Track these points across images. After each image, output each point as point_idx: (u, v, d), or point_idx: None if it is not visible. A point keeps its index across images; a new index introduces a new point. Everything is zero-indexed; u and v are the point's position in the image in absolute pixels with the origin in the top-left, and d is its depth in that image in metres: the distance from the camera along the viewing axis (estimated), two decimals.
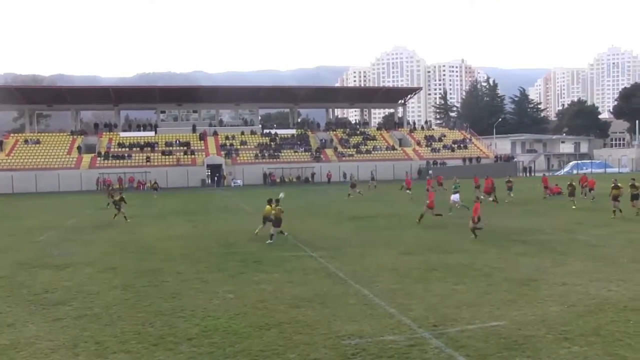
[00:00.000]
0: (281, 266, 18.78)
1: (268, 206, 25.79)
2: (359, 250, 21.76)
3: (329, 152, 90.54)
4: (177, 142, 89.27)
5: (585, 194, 40.58)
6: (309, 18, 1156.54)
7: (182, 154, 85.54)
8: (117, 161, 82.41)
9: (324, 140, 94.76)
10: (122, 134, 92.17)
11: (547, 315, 12.30)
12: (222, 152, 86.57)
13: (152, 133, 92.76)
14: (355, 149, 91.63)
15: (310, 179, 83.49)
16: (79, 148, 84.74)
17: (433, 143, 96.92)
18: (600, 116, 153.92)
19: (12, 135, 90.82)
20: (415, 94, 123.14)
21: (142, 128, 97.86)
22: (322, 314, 12.93)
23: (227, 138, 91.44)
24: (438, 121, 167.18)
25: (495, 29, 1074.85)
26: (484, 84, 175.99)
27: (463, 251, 20.75)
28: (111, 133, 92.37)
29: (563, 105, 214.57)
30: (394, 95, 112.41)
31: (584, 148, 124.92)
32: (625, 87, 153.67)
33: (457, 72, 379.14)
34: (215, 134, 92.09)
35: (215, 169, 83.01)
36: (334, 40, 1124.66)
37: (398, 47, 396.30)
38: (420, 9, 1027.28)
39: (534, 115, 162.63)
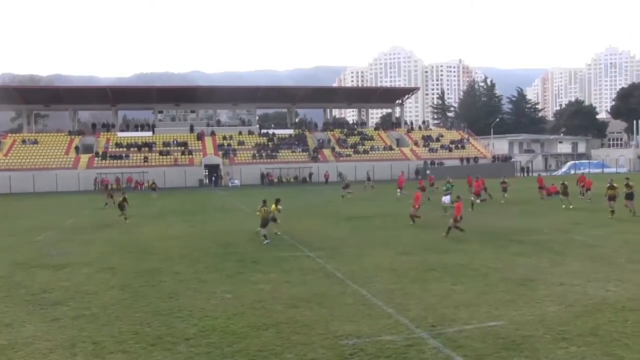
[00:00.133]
0: (279, 266, 18.77)
1: (273, 205, 26.21)
2: (356, 250, 21.77)
3: (327, 152, 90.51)
4: (175, 142, 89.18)
5: (582, 194, 40.61)
6: (306, 18, 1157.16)
7: (179, 154, 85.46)
8: (115, 161, 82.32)
9: (321, 141, 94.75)
10: (120, 134, 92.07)
11: (545, 316, 12.31)
12: (220, 152, 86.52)
13: (150, 133, 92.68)
14: (352, 149, 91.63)
15: (307, 179, 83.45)
16: (76, 148, 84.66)
17: (430, 143, 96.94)
18: (597, 116, 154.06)
19: (9, 135, 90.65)
20: (412, 94, 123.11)
21: (139, 128, 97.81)
22: (319, 314, 12.94)
23: (224, 138, 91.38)
24: (435, 121, 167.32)
25: (493, 29, 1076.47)
26: (482, 84, 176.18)
27: (461, 251, 20.76)
28: (109, 133, 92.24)
29: (561, 105, 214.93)
30: (392, 96, 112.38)
31: (581, 148, 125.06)
32: (622, 87, 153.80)
33: (454, 72, 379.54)
34: (212, 134, 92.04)
35: (212, 169, 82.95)
36: (332, 41, 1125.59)
37: (395, 47, 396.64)
38: (417, 9, 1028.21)
39: (531, 115, 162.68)
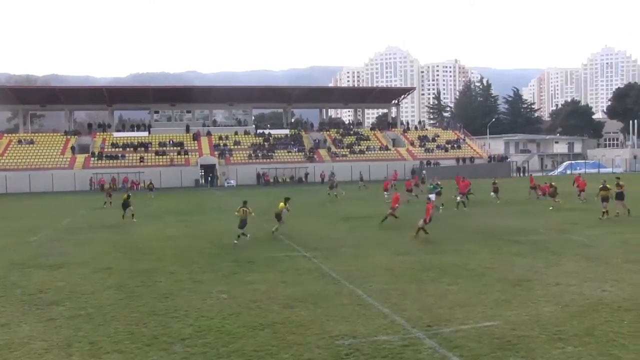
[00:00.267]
0: (275, 266, 18.77)
1: (281, 203, 26.64)
2: (352, 250, 21.77)
3: (323, 152, 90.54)
4: (171, 142, 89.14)
5: (579, 194, 40.56)
6: (302, 18, 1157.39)
7: (175, 154, 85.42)
8: (111, 161, 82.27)
9: (317, 141, 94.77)
10: (116, 134, 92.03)
11: (541, 316, 12.32)
12: (216, 152, 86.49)
13: (146, 133, 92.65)
14: (348, 149, 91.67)
15: (303, 179, 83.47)
16: (72, 148, 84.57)
17: (426, 143, 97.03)
18: (593, 116, 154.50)
19: (5, 135, 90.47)
20: (408, 94, 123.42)
21: (135, 128, 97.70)
22: (315, 314, 12.94)
23: (220, 138, 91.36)
24: (431, 121, 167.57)
25: (489, 29, 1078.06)
26: (478, 84, 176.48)
27: (457, 251, 20.77)
28: (105, 133, 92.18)
29: (557, 105, 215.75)
30: (388, 96, 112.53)
31: (577, 148, 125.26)
32: (618, 88, 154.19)
33: (450, 72, 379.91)
34: (208, 134, 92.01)
35: (208, 169, 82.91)
36: (327, 41, 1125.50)
37: (391, 47, 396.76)
38: (413, 10, 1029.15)
39: (527, 115, 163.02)
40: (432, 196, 34.51)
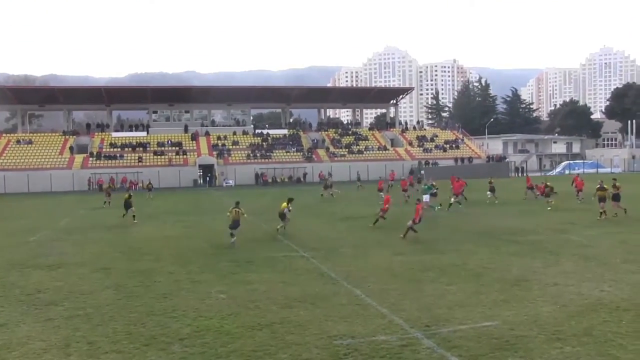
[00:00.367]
0: (273, 266, 18.77)
1: (284, 203, 26.72)
2: (351, 250, 21.77)
3: (321, 152, 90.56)
4: (169, 142, 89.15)
5: (577, 194, 40.51)
6: (300, 18, 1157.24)
7: (174, 154, 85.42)
8: (109, 161, 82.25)
9: (315, 141, 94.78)
10: (114, 134, 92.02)
11: (539, 316, 12.33)
12: (214, 152, 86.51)
13: (144, 133, 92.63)
14: (347, 149, 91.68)
15: (302, 179, 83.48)
16: (71, 148, 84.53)
17: (425, 143, 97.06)
18: (592, 116, 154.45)
19: (4, 135, 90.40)
20: (407, 94, 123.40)
21: (134, 128, 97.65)
22: (314, 314, 12.94)
23: (219, 138, 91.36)
24: (430, 121, 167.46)
25: (488, 29, 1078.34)
26: (476, 84, 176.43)
27: (455, 251, 20.78)
28: (103, 133, 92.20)
29: (555, 105, 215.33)
30: (386, 96, 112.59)
31: (576, 148, 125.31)
32: (617, 87, 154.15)
33: (449, 72, 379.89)
34: (207, 134, 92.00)
35: (207, 169, 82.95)
36: (326, 40, 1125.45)
37: (390, 47, 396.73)
38: (412, 9, 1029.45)
39: (526, 115, 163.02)
40: (426, 197, 34.49)
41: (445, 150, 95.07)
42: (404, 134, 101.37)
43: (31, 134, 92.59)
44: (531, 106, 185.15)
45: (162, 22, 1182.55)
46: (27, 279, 17.68)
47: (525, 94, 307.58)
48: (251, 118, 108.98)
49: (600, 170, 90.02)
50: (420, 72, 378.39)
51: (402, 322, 12.12)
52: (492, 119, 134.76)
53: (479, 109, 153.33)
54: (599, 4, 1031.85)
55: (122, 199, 35.77)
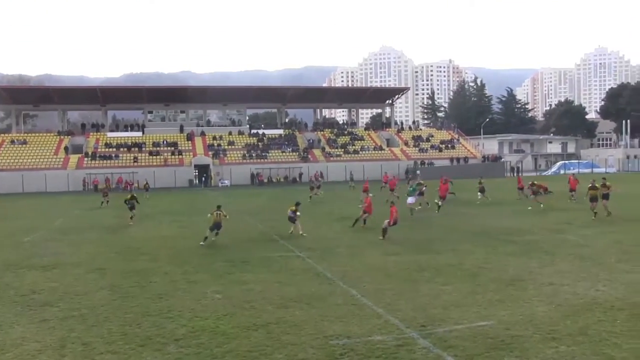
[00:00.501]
0: (269, 267, 18.75)
1: (292, 207, 26.46)
2: (346, 250, 21.76)
3: (317, 152, 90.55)
4: (165, 142, 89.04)
5: (571, 194, 40.55)
6: (296, 18, 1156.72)
7: (169, 154, 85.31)
8: (105, 161, 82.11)
9: (311, 141, 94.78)
10: (110, 134, 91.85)
11: (535, 315, 12.35)
12: (210, 153, 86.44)
13: (140, 133, 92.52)
14: (342, 149, 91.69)
15: (298, 179, 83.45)
16: (66, 148, 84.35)
17: (421, 143, 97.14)
18: (587, 116, 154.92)
19: None
20: (402, 94, 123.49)
21: (129, 128, 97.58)
22: (309, 314, 12.93)
23: (214, 138, 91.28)
24: (426, 121, 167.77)
25: (483, 30, 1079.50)
26: (472, 84, 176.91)
27: (451, 251, 20.79)
28: (98, 133, 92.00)
29: (550, 105, 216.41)
30: (382, 96, 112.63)
31: (571, 148, 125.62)
32: (611, 88, 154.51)
33: (444, 72, 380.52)
34: (202, 134, 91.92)
35: (202, 169, 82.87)
36: (322, 41, 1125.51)
37: (386, 47, 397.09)
38: (408, 10, 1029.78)
39: (521, 115, 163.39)
40: (411, 199, 34.34)
41: (440, 150, 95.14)
42: (400, 134, 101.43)
43: (26, 134, 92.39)
44: (526, 106, 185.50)
45: (157, 22, 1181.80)
46: (22, 280, 17.62)
47: (520, 94, 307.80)
48: (247, 118, 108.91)
49: (595, 170, 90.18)
50: (416, 72, 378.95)
51: (398, 322, 12.12)
52: (487, 119, 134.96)
53: (475, 109, 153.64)
54: (593, 4, 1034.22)
55: (123, 198, 35.43)
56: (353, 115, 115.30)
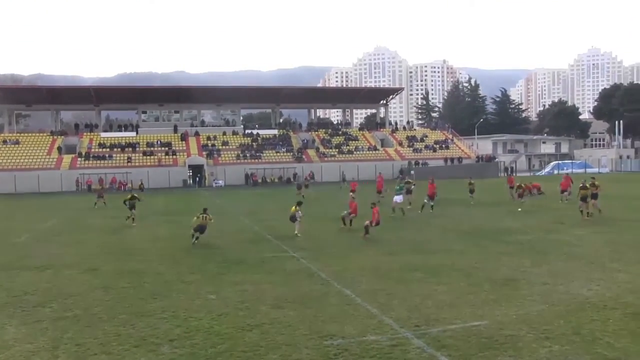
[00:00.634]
0: (263, 267, 18.74)
1: (294, 207, 26.53)
2: (340, 250, 21.77)
3: (311, 152, 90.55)
4: (159, 142, 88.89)
5: (568, 194, 40.58)
6: (290, 18, 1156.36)
7: (163, 154, 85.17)
8: (98, 162, 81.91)
9: (305, 141, 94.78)
10: (103, 135, 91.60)
11: (528, 315, 12.37)
12: (204, 153, 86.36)
13: (134, 133, 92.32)
14: (337, 150, 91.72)
15: (292, 180, 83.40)
16: (59, 148, 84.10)
17: (415, 143, 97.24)
18: (580, 117, 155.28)
19: None
20: (397, 95, 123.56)
21: (123, 128, 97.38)
22: (304, 314, 12.92)
23: (208, 138, 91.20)
24: (420, 121, 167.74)
25: (477, 30, 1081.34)
26: (466, 84, 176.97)
27: (444, 251, 20.83)
28: (92, 133, 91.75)
29: (544, 105, 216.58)
30: (376, 96, 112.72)
31: (564, 148, 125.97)
32: (605, 88, 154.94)
33: (438, 72, 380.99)
34: (196, 134, 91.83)
35: (196, 169, 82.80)
36: (316, 41, 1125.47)
37: (380, 47, 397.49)
38: (402, 10, 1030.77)
39: (515, 115, 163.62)
40: (398, 198, 34.28)
41: (435, 151, 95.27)
42: (394, 134, 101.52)
43: (18, 134, 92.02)
44: (520, 106, 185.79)
45: (151, 21, 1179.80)
46: (14, 281, 17.55)
47: (514, 95, 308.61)
48: (241, 118, 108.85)
49: (589, 170, 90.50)
50: (410, 72, 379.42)
51: (392, 322, 12.12)
52: (481, 119, 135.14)
53: (469, 109, 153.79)
54: (587, 5, 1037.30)
55: (122, 199, 35.09)
56: (347, 116, 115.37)
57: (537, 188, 43.68)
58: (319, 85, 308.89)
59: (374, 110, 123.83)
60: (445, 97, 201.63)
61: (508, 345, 10.53)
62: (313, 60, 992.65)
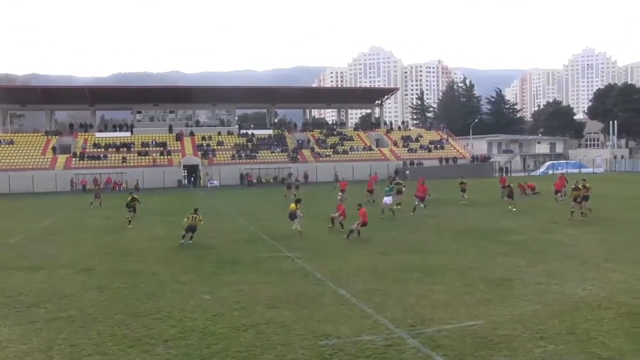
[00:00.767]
0: (258, 267, 18.73)
1: (293, 205, 26.73)
2: (335, 250, 21.79)
3: (306, 152, 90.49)
4: (154, 142, 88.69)
5: (564, 194, 40.61)
6: (286, 18, 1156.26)
7: (158, 154, 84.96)
8: (93, 162, 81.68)
9: (300, 141, 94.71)
10: (98, 135, 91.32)
11: (523, 315, 12.40)
12: (199, 153, 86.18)
13: (128, 133, 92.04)
14: (332, 150, 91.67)
15: (287, 180, 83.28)
16: (53, 149, 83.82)
17: (410, 143, 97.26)
18: (575, 117, 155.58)
19: None
20: (392, 95, 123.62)
21: (118, 128, 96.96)
22: (299, 314, 12.92)
23: (203, 138, 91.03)
24: (415, 122, 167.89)
25: (472, 30, 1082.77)
26: (461, 84, 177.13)
27: (440, 251, 20.85)
28: (87, 133, 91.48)
29: (539, 105, 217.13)
30: (371, 96, 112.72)
31: (559, 148, 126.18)
32: (599, 88, 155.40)
33: (433, 72, 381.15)
34: (191, 134, 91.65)
35: (191, 169, 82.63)
36: (311, 41, 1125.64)
37: (375, 47, 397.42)
38: (397, 10, 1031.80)
39: (510, 115, 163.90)
40: (388, 199, 34.31)
41: (430, 151, 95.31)
42: (389, 134, 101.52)
43: (12, 134, 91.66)
44: (515, 107, 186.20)
45: (146, 21, 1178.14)
46: (8, 281, 17.50)
47: (509, 95, 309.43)
48: (236, 118, 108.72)
49: (583, 170, 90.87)
50: (405, 72, 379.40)
51: (387, 322, 12.14)
52: (476, 120, 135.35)
53: (464, 110, 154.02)
54: (581, 6, 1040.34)
55: (126, 200, 34.82)
56: (342, 116, 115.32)
57: (532, 188, 43.82)
58: (314, 85, 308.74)
59: (369, 111, 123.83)
60: (440, 97, 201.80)
61: (503, 345, 10.55)
62: (308, 60, 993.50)
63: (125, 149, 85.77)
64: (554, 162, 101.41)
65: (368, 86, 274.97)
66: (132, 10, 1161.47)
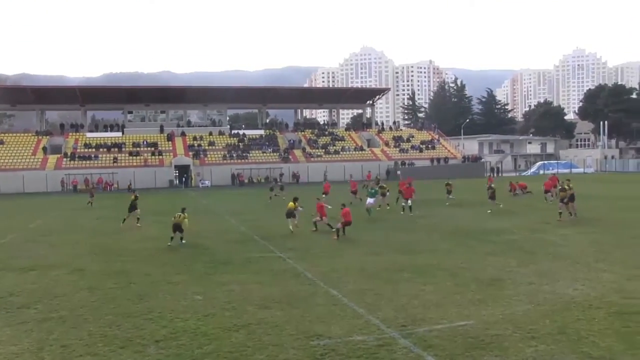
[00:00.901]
0: (249, 267, 18.72)
1: (291, 203, 26.99)
2: (327, 250, 21.79)
3: (298, 152, 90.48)
4: (145, 142, 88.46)
5: (555, 194, 40.69)
6: (277, 18, 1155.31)
7: (149, 154, 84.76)
8: (84, 162, 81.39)
9: (292, 141, 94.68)
10: (89, 135, 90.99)
11: (514, 315, 12.44)
12: (190, 153, 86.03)
13: (119, 133, 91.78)
14: (323, 150, 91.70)
15: (278, 180, 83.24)
16: (44, 149, 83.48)
17: (401, 144, 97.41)
18: (565, 117, 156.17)
19: None
20: (383, 95, 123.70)
21: (109, 128, 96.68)
22: (290, 314, 12.92)
23: (195, 139, 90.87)
24: (406, 122, 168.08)
25: (463, 31, 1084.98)
26: (452, 84, 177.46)
27: (431, 252, 20.89)
28: (77, 133, 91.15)
29: (530, 106, 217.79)
30: (363, 96, 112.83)
31: (550, 149, 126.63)
32: (589, 89, 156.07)
33: (425, 73, 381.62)
34: (183, 134, 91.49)
35: (183, 169, 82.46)
36: (303, 41, 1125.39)
37: (366, 47, 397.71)
38: (388, 10, 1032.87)
39: (501, 116, 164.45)
40: (371, 200, 34.41)
41: (421, 151, 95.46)
42: (381, 134, 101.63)
43: (3, 134, 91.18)
44: (506, 107, 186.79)
45: (137, 21, 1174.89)
46: None
47: (500, 95, 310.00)
48: (227, 118, 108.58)
49: (574, 170, 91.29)
50: (397, 72, 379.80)
51: (378, 322, 12.15)
52: (467, 120, 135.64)
53: (455, 110, 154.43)
54: (572, 7, 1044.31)
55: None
56: (334, 116, 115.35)
57: (523, 187, 43.98)
58: (306, 85, 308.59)
59: (360, 111, 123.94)
60: (432, 98, 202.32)
61: (494, 345, 10.58)
62: (300, 60, 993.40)
63: (116, 149, 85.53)
64: (545, 162, 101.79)
65: (359, 86, 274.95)
66: (123, 10, 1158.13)
